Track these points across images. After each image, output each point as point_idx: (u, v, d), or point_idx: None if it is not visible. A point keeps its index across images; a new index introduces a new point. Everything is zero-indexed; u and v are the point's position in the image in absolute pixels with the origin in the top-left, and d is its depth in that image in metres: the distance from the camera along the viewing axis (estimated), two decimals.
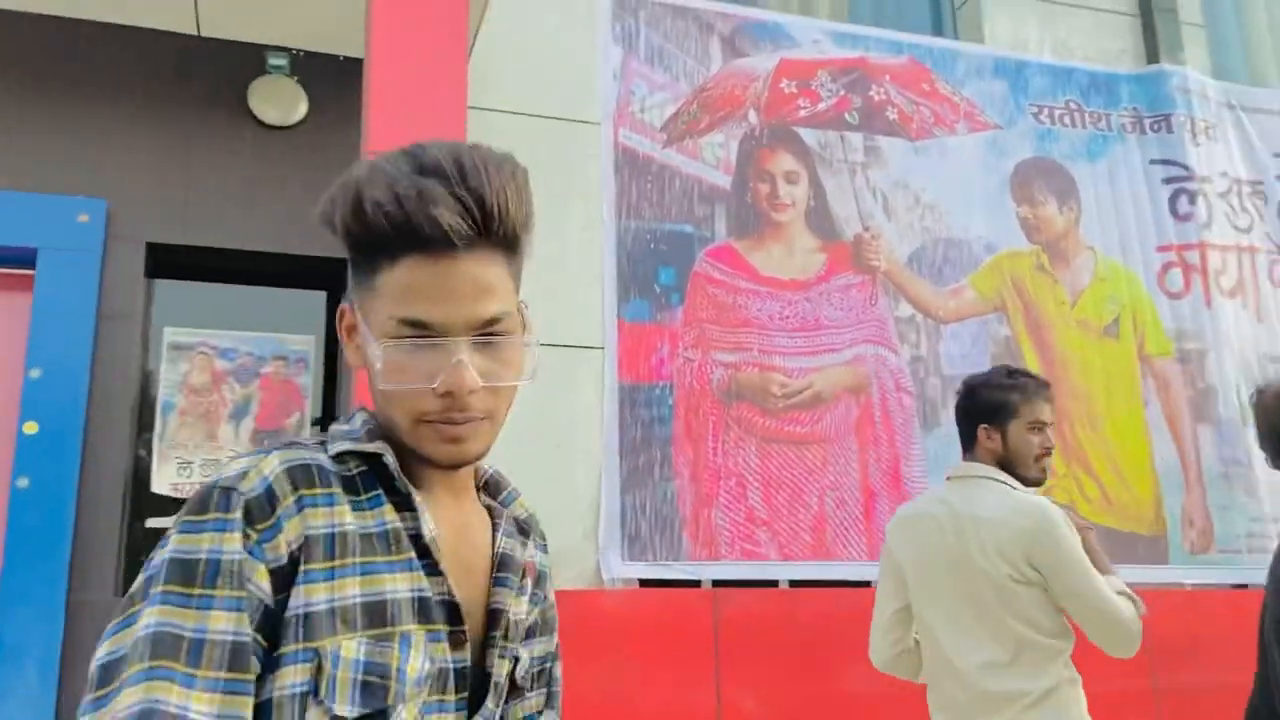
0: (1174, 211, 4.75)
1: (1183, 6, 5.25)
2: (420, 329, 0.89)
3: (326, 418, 4.11)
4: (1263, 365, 4.61)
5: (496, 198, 0.92)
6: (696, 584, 3.70)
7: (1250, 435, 4.45)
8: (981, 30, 4.96)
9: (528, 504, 1.12)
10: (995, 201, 4.55)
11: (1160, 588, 4.13)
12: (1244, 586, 4.25)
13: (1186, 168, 4.80)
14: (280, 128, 3.96)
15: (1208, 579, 4.21)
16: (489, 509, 1.06)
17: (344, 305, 0.98)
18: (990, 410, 2.41)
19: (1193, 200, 4.77)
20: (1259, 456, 4.47)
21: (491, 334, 0.92)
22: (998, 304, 4.41)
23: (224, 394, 3.75)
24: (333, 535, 0.88)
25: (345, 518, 0.89)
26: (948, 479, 2.50)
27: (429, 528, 0.94)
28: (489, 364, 0.92)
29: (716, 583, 3.71)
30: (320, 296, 4.34)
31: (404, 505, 0.94)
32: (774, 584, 3.82)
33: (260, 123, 3.95)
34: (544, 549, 1.13)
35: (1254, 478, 4.38)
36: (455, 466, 0.96)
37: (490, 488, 1.09)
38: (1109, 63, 5.01)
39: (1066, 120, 4.78)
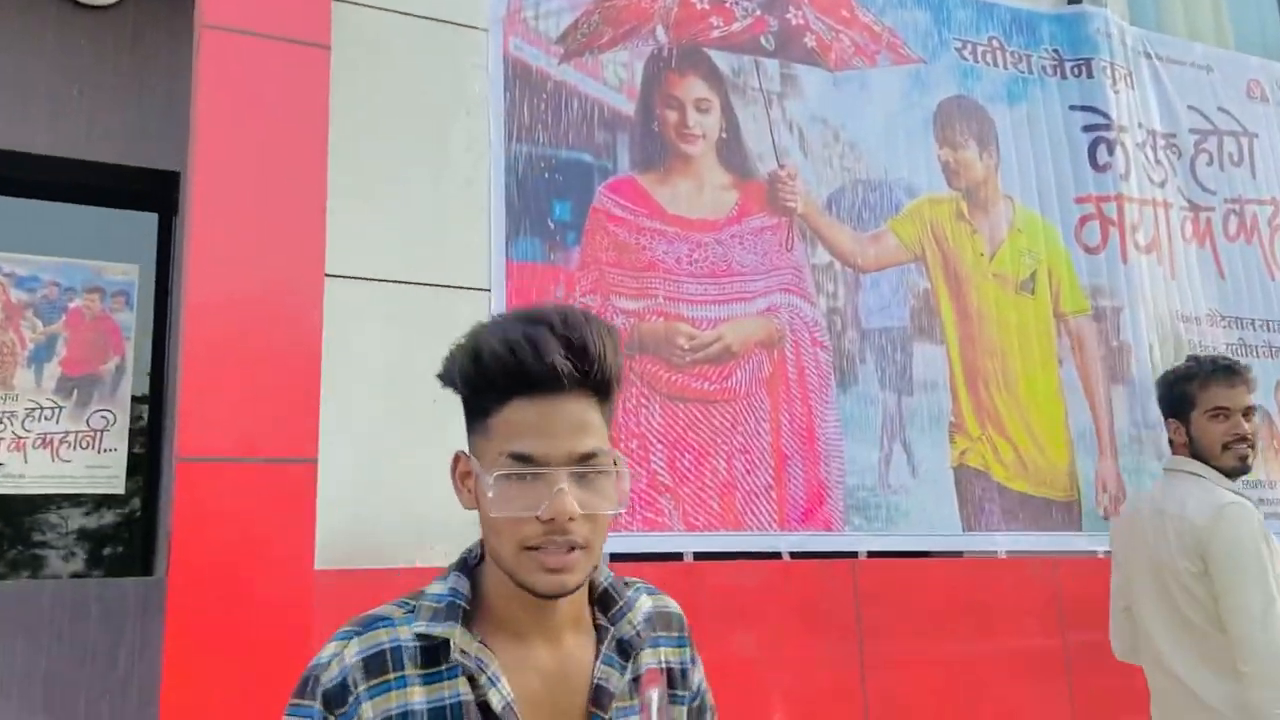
0: (1093, 161, 4.53)
1: None
2: (526, 462, 0.99)
3: (156, 364, 3.47)
4: (1174, 324, 4.48)
5: (596, 346, 1.02)
6: None
7: None
8: None
9: (649, 604, 1.14)
10: (917, 142, 4.22)
11: (1072, 555, 3.96)
12: None
13: (1106, 116, 4.58)
14: (96, 7, 3.24)
15: None
16: (598, 627, 1.10)
17: (458, 453, 1.09)
18: (1171, 404, 2.37)
19: (1111, 150, 4.56)
20: None
21: (588, 468, 1.01)
22: (918, 253, 4.11)
23: (22, 332, 3.08)
24: (405, 714, 0.98)
25: (414, 697, 0.99)
26: (1163, 471, 2.41)
27: (500, 696, 1.00)
28: (586, 495, 1.00)
29: (614, 556, 3.31)
30: (150, 219, 3.67)
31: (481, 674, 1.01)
32: (678, 557, 3.44)
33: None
34: (681, 641, 1.17)
35: (1163, 441, 4.24)
36: (554, 596, 1.01)
37: (604, 601, 1.12)
38: (1031, 0, 4.72)
39: (989, 59, 4.49)
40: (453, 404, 3.23)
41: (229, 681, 2.46)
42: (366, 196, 3.24)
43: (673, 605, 1.18)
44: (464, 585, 1.06)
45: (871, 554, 3.67)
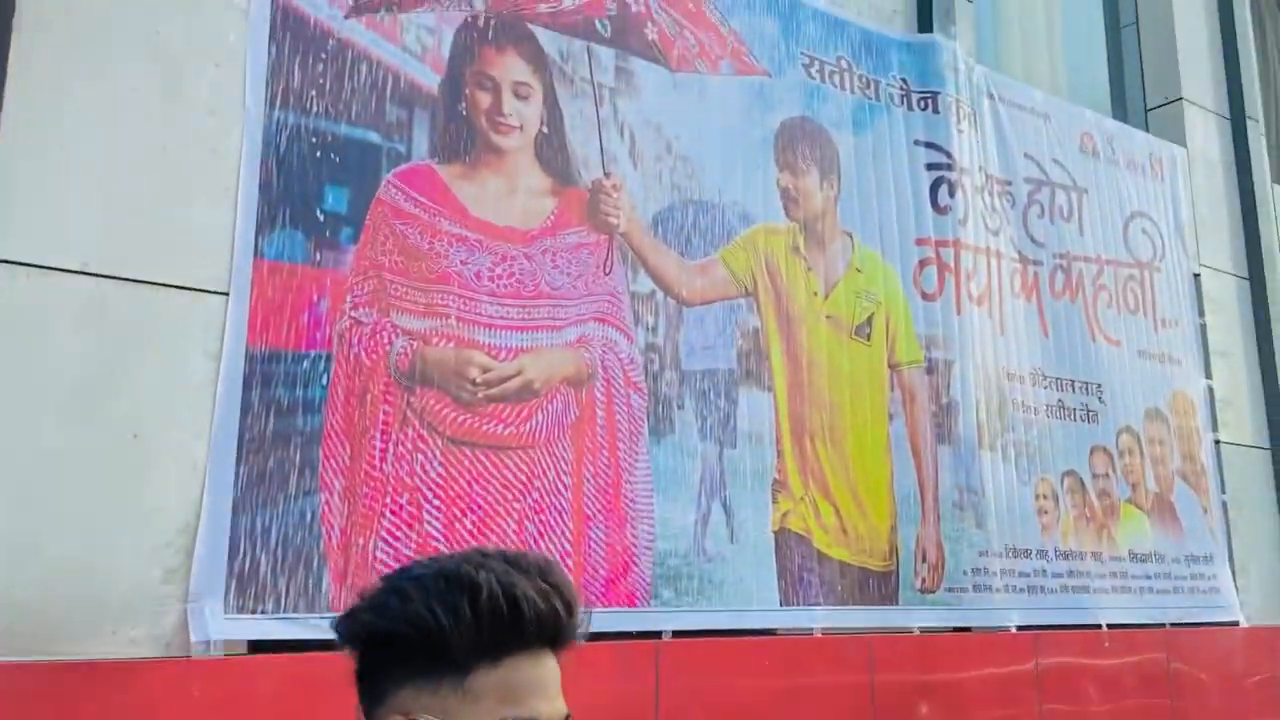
0: (934, 202, 4.24)
1: None
2: None
3: None
4: (1001, 381, 4.26)
5: (576, 594, 0.97)
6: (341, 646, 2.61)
7: (986, 459, 4.08)
8: None
9: None
10: (756, 163, 3.77)
11: (887, 632, 3.62)
12: (967, 630, 3.86)
13: (949, 155, 4.32)
14: None
15: (933, 621, 3.76)
16: None
17: (369, 710, 0.92)
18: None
19: (952, 192, 4.29)
20: (992, 481, 4.11)
21: None
22: (749, 286, 3.66)
23: None
24: None
25: None
26: None
27: None
28: None
29: None
30: None
31: None
32: None
33: None
34: None
35: (985, 506, 4.01)
36: None
37: None
38: (882, 23, 4.39)
39: (836, 79, 4.10)
40: (158, 444, 2.43)
41: None
42: (61, 154, 2.43)
43: None
44: None
45: (677, 633, 3.17)
